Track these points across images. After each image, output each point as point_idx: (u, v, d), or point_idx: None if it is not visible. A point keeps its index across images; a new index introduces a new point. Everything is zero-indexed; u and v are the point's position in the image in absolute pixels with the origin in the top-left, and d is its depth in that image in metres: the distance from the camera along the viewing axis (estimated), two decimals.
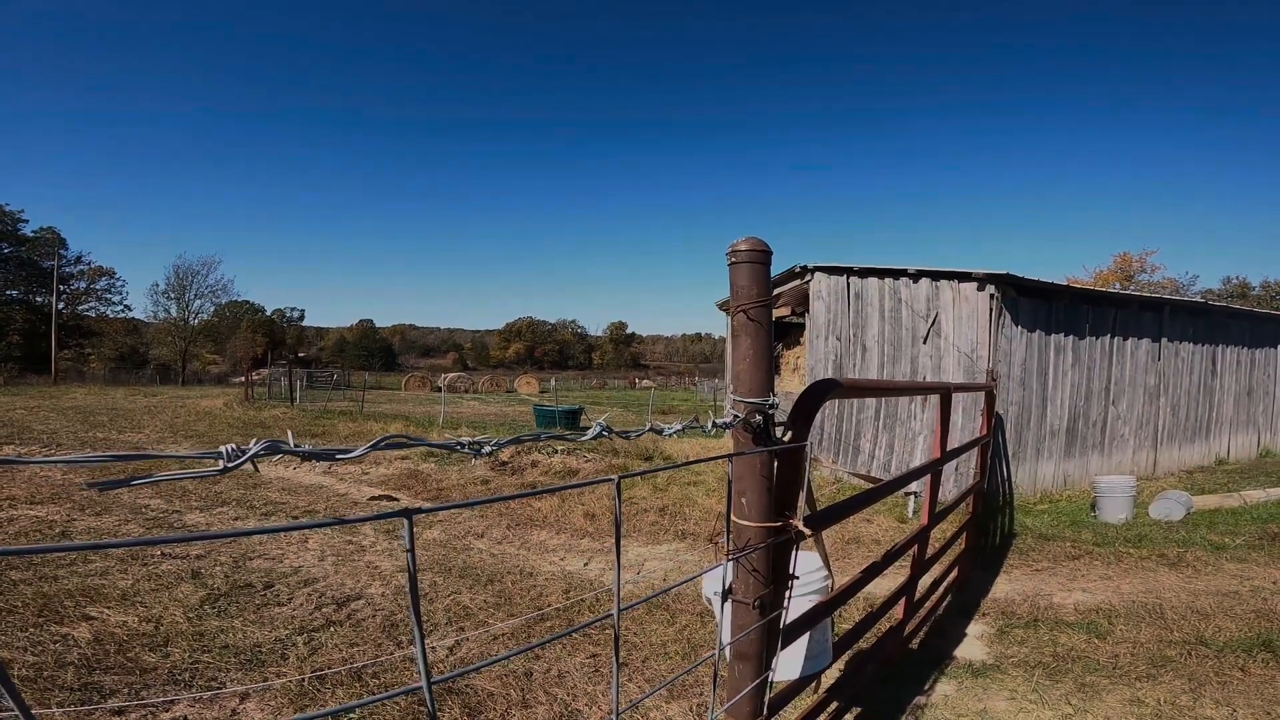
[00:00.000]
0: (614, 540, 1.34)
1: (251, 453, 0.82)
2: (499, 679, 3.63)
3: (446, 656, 3.95)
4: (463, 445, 1.09)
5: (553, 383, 34.54)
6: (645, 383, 73.97)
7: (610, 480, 1.32)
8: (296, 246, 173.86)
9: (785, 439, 1.96)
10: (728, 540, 1.86)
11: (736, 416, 1.79)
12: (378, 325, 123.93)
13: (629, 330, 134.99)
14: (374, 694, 3.39)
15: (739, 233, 1.84)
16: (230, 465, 0.80)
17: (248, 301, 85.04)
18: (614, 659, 1.29)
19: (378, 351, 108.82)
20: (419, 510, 0.98)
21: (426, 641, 4.15)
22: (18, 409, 19.62)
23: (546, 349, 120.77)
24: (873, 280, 10.32)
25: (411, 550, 0.95)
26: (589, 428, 1.32)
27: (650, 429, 1.51)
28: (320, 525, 0.96)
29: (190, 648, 3.82)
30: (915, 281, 9.54)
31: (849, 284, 10.80)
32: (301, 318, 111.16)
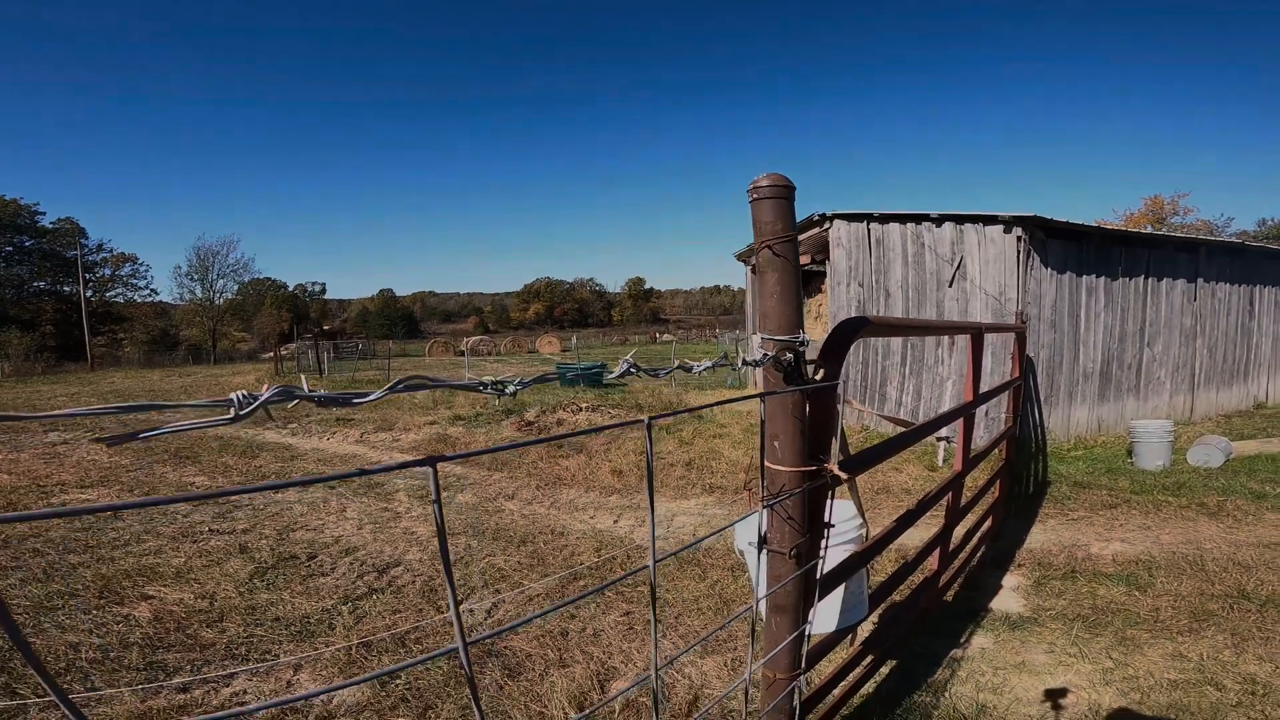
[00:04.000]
0: (645, 493, 1.34)
1: (264, 399, 0.78)
2: (536, 639, 3.74)
3: (485, 619, 4.08)
4: (485, 385, 1.08)
5: (574, 341, 34.65)
6: (666, 337, 73.92)
7: (640, 421, 1.30)
8: (313, 221, 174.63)
9: (817, 378, 1.90)
10: (762, 488, 1.81)
11: (766, 355, 1.71)
12: (398, 294, 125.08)
13: (647, 285, 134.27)
14: (417, 658, 3.53)
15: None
16: (243, 413, 0.77)
17: (270, 278, 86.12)
18: (651, 611, 1.30)
19: (400, 320, 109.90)
20: (443, 458, 0.98)
21: (464, 605, 4.30)
22: (59, 396, 20.29)
23: (566, 308, 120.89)
24: (894, 226, 10.06)
25: (438, 500, 0.94)
26: (613, 372, 1.30)
27: (679, 366, 1.49)
28: (345, 476, 0.96)
29: (244, 622, 3.99)
30: (939, 226, 9.29)
31: (869, 230, 10.55)
32: (323, 291, 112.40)
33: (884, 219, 10.23)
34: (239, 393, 0.77)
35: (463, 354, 39.00)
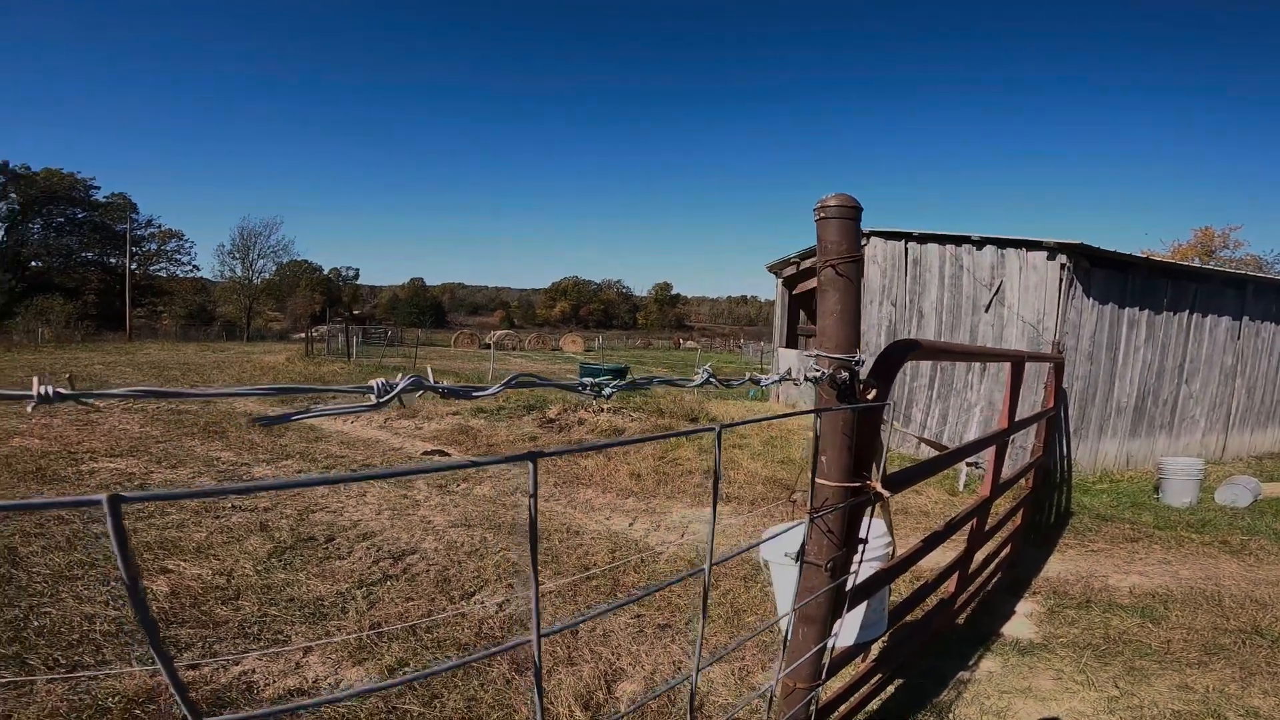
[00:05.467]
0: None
1: (400, 388, 0.83)
2: (545, 637, 3.73)
3: (496, 613, 4.09)
4: (585, 386, 1.13)
5: (598, 341, 34.78)
6: (689, 344, 73.80)
7: (712, 430, 1.37)
8: (352, 207, 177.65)
9: (869, 397, 1.95)
10: (810, 500, 1.87)
11: (824, 372, 1.78)
12: (428, 284, 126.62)
13: (674, 291, 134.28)
14: (428, 648, 3.54)
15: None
16: (381, 400, 0.82)
17: (306, 261, 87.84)
18: (701, 614, 1.33)
19: (428, 309, 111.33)
20: (542, 454, 1.01)
21: (476, 597, 4.31)
22: (96, 364, 20.89)
23: (592, 308, 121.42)
24: (932, 246, 9.91)
25: (534, 495, 0.97)
26: (693, 380, 1.36)
27: (749, 379, 1.60)
28: (453, 467, 0.98)
29: (259, 601, 4.03)
30: (979, 248, 9.13)
31: (906, 249, 10.41)
32: (356, 276, 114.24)
33: (922, 239, 10.09)
34: (378, 380, 0.82)
35: (488, 347, 39.35)
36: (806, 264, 14.60)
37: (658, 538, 5.83)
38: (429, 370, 0.94)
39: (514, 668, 3.39)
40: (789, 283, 15.76)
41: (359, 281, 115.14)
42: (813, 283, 15.12)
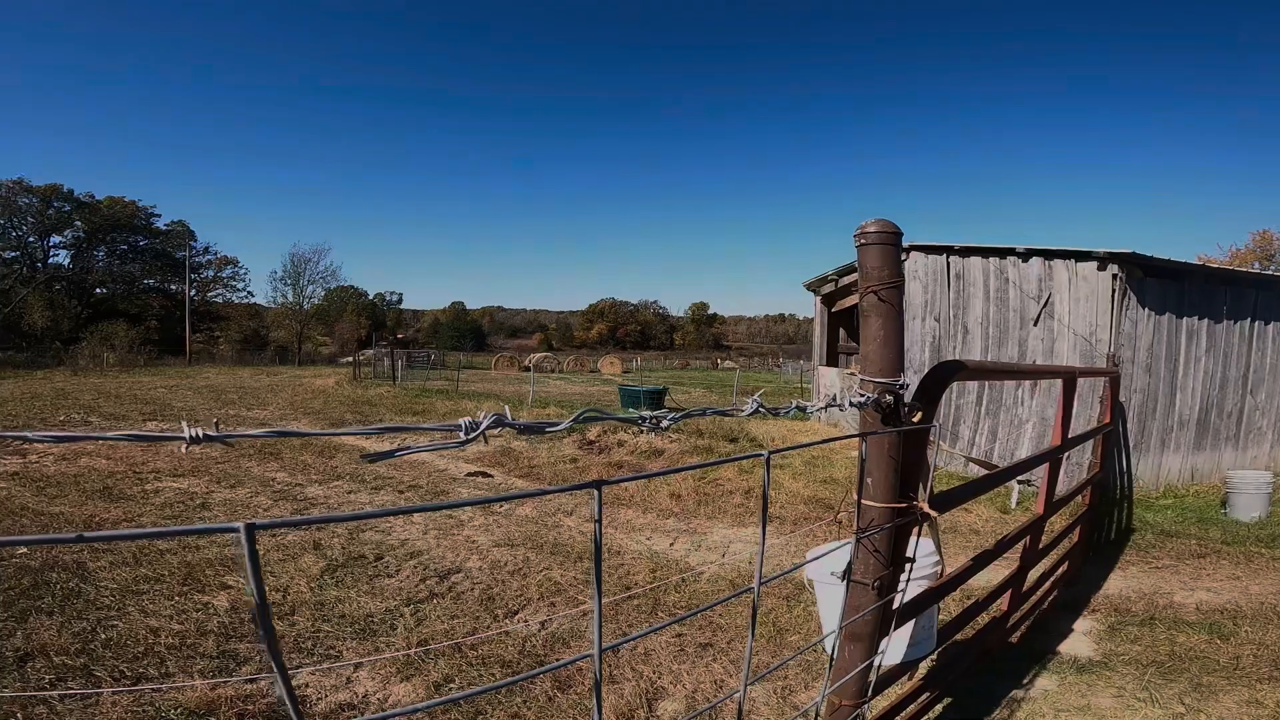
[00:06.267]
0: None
1: (484, 426, 0.92)
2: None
3: (539, 631, 4.12)
4: (644, 419, 1.19)
5: (636, 363, 34.91)
6: (728, 364, 73.37)
7: (760, 455, 1.43)
8: (395, 234, 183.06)
9: (914, 420, 1.98)
10: (857, 521, 1.90)
11: (868, 396, 1.83)
12: (469, 307, 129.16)
13: (711, 310, 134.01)
14: (473, 665, 3.59)
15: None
16: (468, 438, 0.91)
17: (352, 286, 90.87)
18: (750, 631, 1.37)
19: (468, 332, 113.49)
20: (606, 481, 1.10)
21: (519, 615, 4.36)
22: (158, 388, 21.92)
23: (629, 329, 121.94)
24: (975, 259, 9.73)
25: (599, 520, 1.06)
26: (743, 410, 1.42)
27: (796, 406, 1.67)
28: (526, 495, 1.16)
29: (312, 617, 4.16)
30: (1025, 261, 8.92)
31: (948, 263, 10.23)
32: (400, 301, 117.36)
33: (964, 252, 9.91)
34: (466, 419, 0.92)
35: (528, 369, 39.89)
36: (845, 280, 14.44)
37: (698, 558, 5.80)
38: (506, 410, 1.02)
39: (556, 685, 3.41)
40: (827, 300, 15.61)
41: (402, 305, 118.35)
42: (852, 300, 14.95)
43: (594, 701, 1.07)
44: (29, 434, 0.69)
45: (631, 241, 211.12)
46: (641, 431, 11.89)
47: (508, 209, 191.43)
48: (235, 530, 0.69)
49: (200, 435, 0.70)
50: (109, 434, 0.72)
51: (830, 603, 2.49)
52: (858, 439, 1.84)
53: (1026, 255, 8.89)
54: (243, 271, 67.97)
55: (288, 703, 0.74)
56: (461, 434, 0.90)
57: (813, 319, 16.61)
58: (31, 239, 56.16)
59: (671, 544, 6.19)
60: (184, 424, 0.68)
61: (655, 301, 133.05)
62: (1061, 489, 5.39)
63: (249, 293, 68.11)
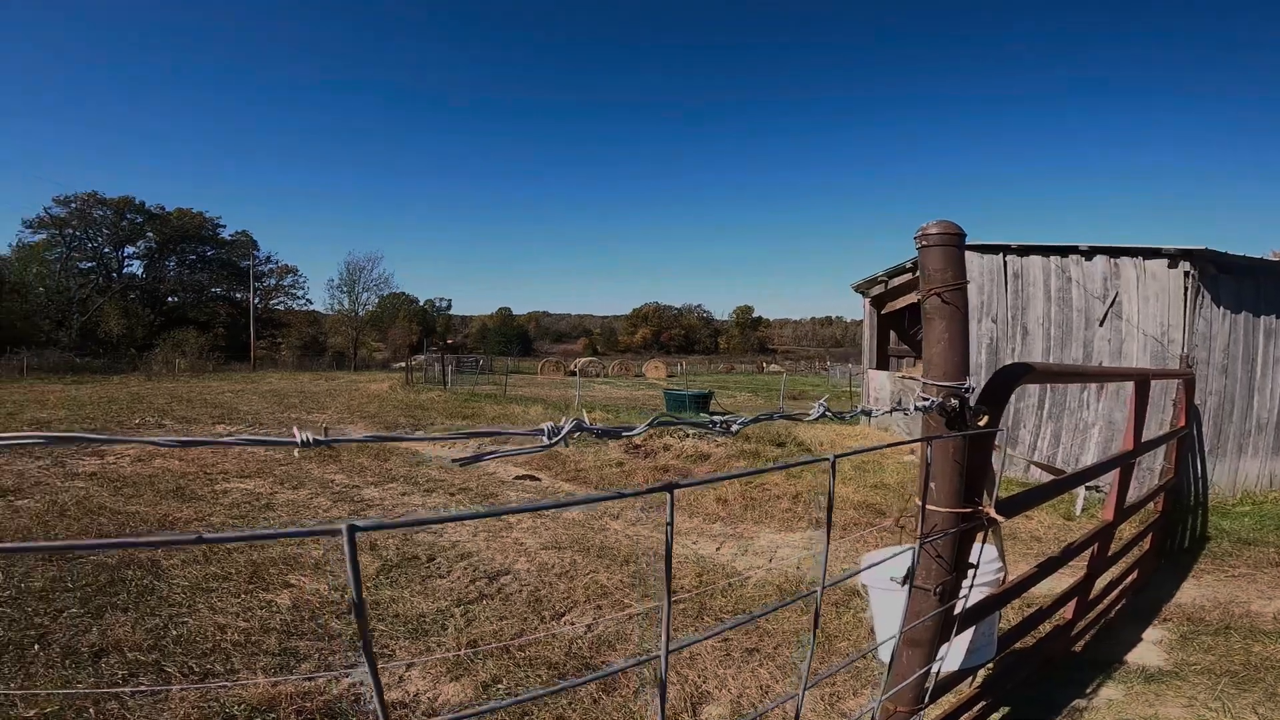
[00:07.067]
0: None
1: (565, 431, 0.97)
2: (632, 658, 3.75)
3: (585, 633, 4.14)
4: (714, 424, 1.21)
5: (680, 367, 34.84)
6: (773, 367, 72.51)
7: (826, 459, 1.44)
8: (445, 240, 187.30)
9: (980, 424, 1.95)
10: (920, 526, 1.88)
11: (932, 400, 1.81)
12: (515, 313, 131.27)
13: (755, 314, 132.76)
14: (520, 666, 3.64)
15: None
16: (551, 442, 0.95)
17: (404, 293, 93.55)
18: (811, 637, 1.36)
19: (515, 337, 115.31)
20: (678, 484, 1.10)
21: (565, 618, 4.39)
22: (225, 393, 23.01)
23: (673, 334, 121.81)
24: (1035, 258, 9.36)
25: (670, 523, 1.07)
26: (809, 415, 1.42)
27: (861, 410, 1.72)
28: (599, 499, 1.15)
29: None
30: (1088, 259, 8.54)
31: (1005, 263, 9.87)
32: (449, 307, 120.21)
33: (1023, 251, 9.55)
34: (549, 424, 0.96)
35: (573, 374, 40.30)
36: (895, 282, 14.09)
37: (745, 562, 5.74)
38: (585, 414, 1.05)
39: (601, 688, 3.42)
40: (877, 302, 15.26)
41: (451, 311, 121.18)
42: (903, 301, 14.57)
43: (654, 702, 1.09)
44: (157, 439, 0.75)
45: (675, 245, 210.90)
46: (686, 435, 11.85)
47: (553, 214, 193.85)
48: (338, 533, 0.73)
49: (310, 439, 0.75)
50: (225, 439, 0.77)
51: (886, 609, 2.44)
52: (920, 443, 1.80)
53: (1090, 253, 8.51)
54: (302, 280, 71.02)
55: (375, 698, 0.77)
56: (545, 438, 0.93)
57: (861, 321, 16.28)
58: (107, 250, 59.74)
59: (718, 548, 6.15)
60: (295, 430, 0.74)
61: (699, 305, 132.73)
62: (1132, 495, 5.16)
63: (308, 300, 70.97)
